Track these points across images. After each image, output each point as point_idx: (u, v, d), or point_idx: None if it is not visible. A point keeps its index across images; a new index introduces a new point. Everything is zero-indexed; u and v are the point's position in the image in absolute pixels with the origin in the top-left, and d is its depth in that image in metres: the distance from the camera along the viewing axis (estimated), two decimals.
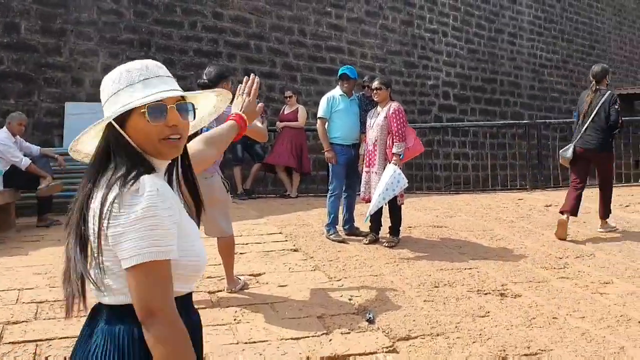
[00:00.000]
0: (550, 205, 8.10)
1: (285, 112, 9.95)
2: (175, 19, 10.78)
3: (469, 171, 12.24)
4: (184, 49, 10.81)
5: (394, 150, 5.85)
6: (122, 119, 1.56)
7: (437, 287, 4.92)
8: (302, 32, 12.50)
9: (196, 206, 1.74)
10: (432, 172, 12.79)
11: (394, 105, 6.01)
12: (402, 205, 6.12)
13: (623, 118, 6.77)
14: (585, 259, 5.74)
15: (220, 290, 4.76)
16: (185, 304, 1.60)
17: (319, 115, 6.62)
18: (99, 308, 1.59)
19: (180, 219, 1.56)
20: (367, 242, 6.10)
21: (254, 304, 4.48)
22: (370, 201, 5.92)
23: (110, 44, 10.01)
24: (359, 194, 6.30)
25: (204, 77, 4.82)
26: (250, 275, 5.12)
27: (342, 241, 6.17)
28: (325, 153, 6.46)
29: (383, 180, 5.68)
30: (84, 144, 1.66)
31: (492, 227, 6.90)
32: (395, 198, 5.85)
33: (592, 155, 6.65)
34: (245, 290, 4.78)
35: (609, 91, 6.68)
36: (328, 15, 12.93)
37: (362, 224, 6.45)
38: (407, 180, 5.81)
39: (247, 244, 6.06)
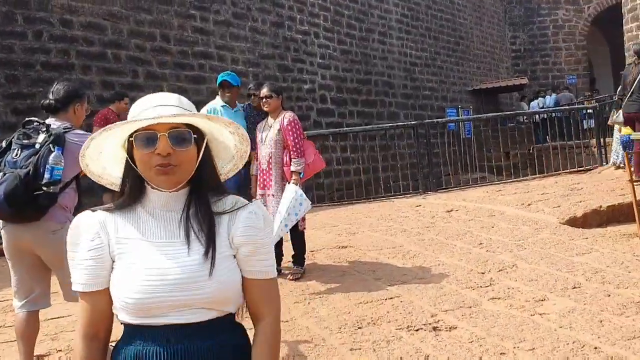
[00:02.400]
0: (451, 211, 7.61)
1: None
2: (17, 29, 9.32)
3: (351, 176, 11.69)
4: (29, 62, 9.38)
5: (293, 168, 5.02)
6: (132, 149, 1.61)
7: (360, 327, 4.15)
8: (165, 37, 11.38)
9: (207, 240, 1.61)
10: (314, 180, 12.12)
11: (288, 115, 5.17)
12: (304, 230, 5.30)
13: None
14: (508, 271, 5.20)
15: None
16: (139, 333, 1.58)
17: None
18: None
19: (122, 252, 1.60)
20: None
21: None
22: None
23: None
24: None
25: (50, 97, 3.64)
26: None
27: None
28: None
29: (284, 204, 4.83)
30: (109, 169, 1.72)
31: (400, 242, 6.25)
32: (296, 223, 5.02)
33: (635, 115, 8.45)
34: None
35: None
36: (192, 19, 11.88)
37: None
38: (310, 202, 5.01)
39: None
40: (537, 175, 10.58)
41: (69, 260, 1.64)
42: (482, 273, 5.18)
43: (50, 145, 3.35)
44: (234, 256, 1.65)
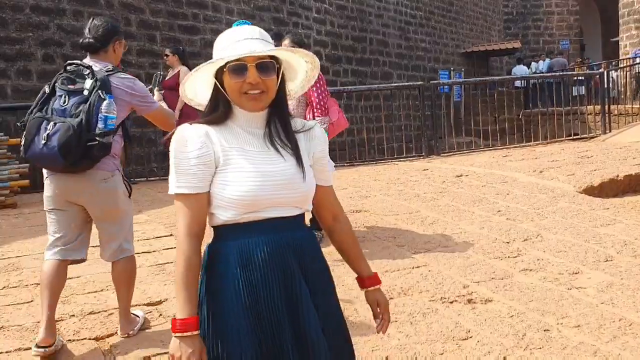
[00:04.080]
0: (461, 176, 7.38)
1: (167, 78, 8.37)
2: None
3: (344, 137, 11.37)
4: (18, 5, 8.86)
5: None
6: (221, 76, 1.84)
7: (391, 298, 3.92)
8: None
9: (295, 151, 1.87)
10: None
11: None
12: None
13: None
14: (534, 241, 5.00)
15: (112, 335, 3.44)
16: (241, 229, 1.81)
17: None
18: None
19: (228, 158, 1.81)
20: None
21: (164, 353, 3.22)
22: None
23: None
24: None
25: (88, 36, 3.35)
26: (147, 305, 3.83)
27: None
28: None
29: None
30: (199, 94, 1.95)
31: (416, 207, 6.01)
32: None
33: None
34: (147, 331, 3.50)
35: None
36: None
37: None
38: (333, 164, 4.72)
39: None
40: (541, 142, 10.37)
41: (173, 167, 1.82)
42: (507, 242, 4.97)
43: (100, 92, 3.14)
44: (311, 166, 1.92)
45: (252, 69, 1.79)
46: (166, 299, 3.90)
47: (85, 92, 3.15)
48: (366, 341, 3.35)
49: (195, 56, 10.65)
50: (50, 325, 3.16)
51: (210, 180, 1.82)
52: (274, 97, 1.86)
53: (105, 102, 3.13)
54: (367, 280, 2.10)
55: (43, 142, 3.09)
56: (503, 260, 4.60)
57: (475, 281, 4.19)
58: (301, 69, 1.99)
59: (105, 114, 3.13)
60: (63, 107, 3.15)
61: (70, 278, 4.18)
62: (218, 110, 1.87)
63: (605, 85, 11.19)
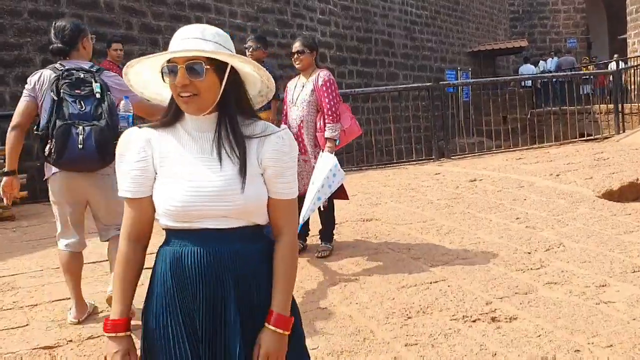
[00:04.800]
0: (475, 180, 7.13)
1: None
2: None
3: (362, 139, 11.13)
4: (16, 10, 8.64)
5: (328, 134, 4.45)
6: None
7: (409, 317, 3.68)
8: None
9: (239, 159, 1.76)
10: None
11: (323, 74, 4.57)
12: (333, 205, 4.78)
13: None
14: (556, 251, 4.75)
15: None
16: (176, 237, 1.77)
17: None
18: None
19: (163, 165, 1.77)
20: None
21: None
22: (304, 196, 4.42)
23: None
24: None
25: (56, 41, 3.56)
26: None
27: None
28: None
29: (320, 176, 4.27)
30: (151, 86, 1.87)
31: (429, 215, 5.77)
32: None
33: None
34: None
35: None
36: None
37: None
38: (343, 173, 4.48)
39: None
40: (554, 143, 10.10)
41: (116, 169, 1.82)
42: (529, 253, 4.73)
43: (108, 93, 3.46)
44: (262, 175, 1.80)
45: (181, 70, 1.70)
46: None
47: (97, 95, 3.43)
48: None
49: None
50: (80, 304, 3.67)
51: (150, 185, 1.79)
52: (214, 99, 1.75)
53: (122, 103, 3.48)
54: (271, 316, 1.78)
55: (80, 146, 3.33)
56: (526, 273, 4.35)
57: (499, 297, 3.94)
58: (255, 76, 1.86)
59: (125, 113, 3.48)
60: (83, 112, 3.38)
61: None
62: (169, 112, 1.82)
63: (618, 84, 10.88)
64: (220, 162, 1.75)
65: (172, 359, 1.75)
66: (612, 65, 16.29)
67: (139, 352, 1.82)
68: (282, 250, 1.83)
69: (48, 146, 3.38)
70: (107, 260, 4.01)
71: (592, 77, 15.07)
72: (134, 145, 1.78)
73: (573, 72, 16.26)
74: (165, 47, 9.59)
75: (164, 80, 1.75)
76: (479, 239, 5.07)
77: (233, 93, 1.79)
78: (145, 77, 1.85)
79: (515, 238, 5.04)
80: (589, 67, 19.43)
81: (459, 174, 7.56)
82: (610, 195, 6.25)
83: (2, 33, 8.45)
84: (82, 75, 3.45)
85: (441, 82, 10.59)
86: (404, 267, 4.47)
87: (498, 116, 14.86)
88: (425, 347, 3.33)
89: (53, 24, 3.64)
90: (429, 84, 10.27)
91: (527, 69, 20.28)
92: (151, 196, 1.78)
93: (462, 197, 6.40)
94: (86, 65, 3.55)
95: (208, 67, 1.71)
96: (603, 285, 4.08)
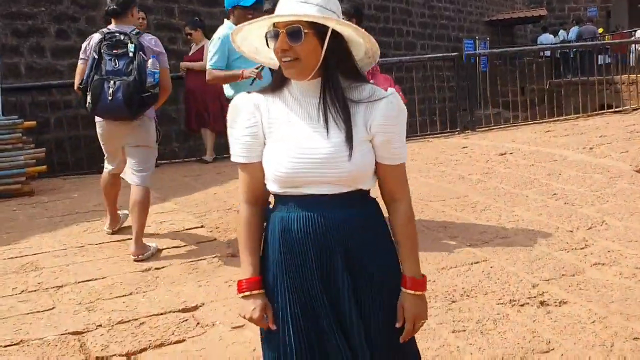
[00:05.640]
0: (505, 154, 6.89)
1: (190, 53, 7.94)
2: None
3: None
4: None
5: None
6: None
7: (454, 301, 3.49)
8: None
9: (345, 125, 1.71)
10: None
11: None
12: None
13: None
14: (599, 229, 4.54)
15: (145, 349, 3.04)
16: (284, 202, 1.77)
17: (209, 65, 4.48)
18: None
19: (272, 131, 1.75)
20: None
21: None
22: None
23: None
24: None
25: (111, 4, 4.16)
26: (182, 310, 3.42)
27: None
28: (246, 73, 4.29)
29: None
30: (261, 50, 1.84)
31: (462, 191, 5.55)
32: None
33: None
34: (185, 342, 3.10)
35: None
36: None
37: None
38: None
39: (161, 249, 4.30)
40: (581, 115, 9.81)
41: (228, 135, 1.83)
42: (571, 231, 4.52)
43: (141, 52, 4.01)
44: (370, 141, 1.75)
45: (282, 35, 1.67)
46: (203, 304, 3.49)
47: (130, 54, 3.98)
48: (435, 357, 2.93)
49: (215, 29, 10.14)
50: (113, 217, 4.56)
51: (261, 150, 1.78)
52: (315, 64, 1.70)
53: (150, 61, 4.03)
54: (406, 281, 1.83)
55: (110, 98, 3.94)
56: (570, 253, 4.14)
57: (545, 279, 3.74)
58: (357, 38, 1.78)
59: (153, 70, 4.02)
60: (116, 69, 3.97)
61: (94, 279, 3.83)
62: (277, 76, 1.80)
63: None
64: (327, 128, 1.71)
65: (282, 323, 1.77)
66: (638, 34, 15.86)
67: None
68: (400, 219, 1.82)
69: (87, 98, 4.02)
70: (129, 239, 4.31)
71: (610, 46, 14.62)
72: (244, 111, 1.78)
73: (602, 42, 15.81)
74: (181, 15, 9.33)
75: (268, 46, 1.73)
76: (516, 216, 4.86)
77: (336, 56, 1.72)
78: (256, 43, 1.83)
79: (555, 215, 4.83)
80: (606, 37, 18.96)
81: (488, 147, 7.32)
82: None
83: (16, 2, 8.22)
84: (121, 37, 4.03)
85: (467, 52, 10.26)
86: (442, 247, 4.27)
87: (515, 87, 14.51)
88: (473, 333, 3.14)
89: None
90: (454, 53, 9.95)
91: (546, 38, 19.82)
92: (261, 161, 1.78)
93: (494, 172, 6.17)
94: (129, 29, 4.12)
95: (307, 31, 1.66)
96: None
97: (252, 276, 1.80)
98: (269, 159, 1.75)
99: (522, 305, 3.45)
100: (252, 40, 1.83)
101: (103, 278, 3.82)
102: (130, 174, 4.24)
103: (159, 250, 4.27)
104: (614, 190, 5.40)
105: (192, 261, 4.09)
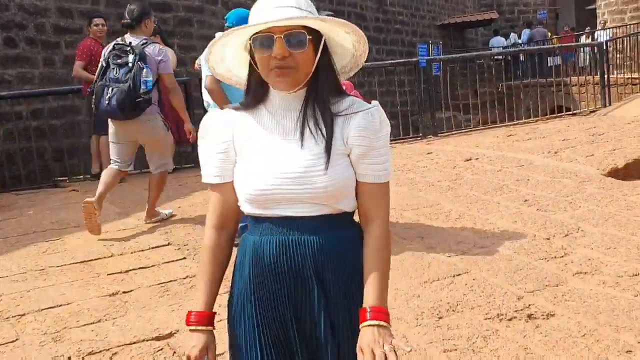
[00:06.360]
0: (470, 159, 6.85)
1: None
2: None
3: None
4: None
5: None
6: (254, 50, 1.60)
7: (440, 317, 3.38)
8: None
9: (325, 137, 1.61)
10: None
11: None
12: None
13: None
14: (576, 237, 4.51)
15: None
16: (257, 224, 1.66)
17: (206, 71, 4.34)
18: None
19: (244, 149, 1.65)
20: None
21: None
22: None
23: None
24: None
25: (127, 17, 4.80)
26: (155, 339, 3.21)
27: None
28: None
29: None
30: (235, 71, 1.74)
31: (435, 199, 5.47)
32: None
33: None
34: None
35: None
36: None
37: None
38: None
39: (128, 271, 4.07)
40: (541, 118, 9.90)
41: (199, 154, 1.74)
42: (548, 239, 4.47)
43: (139, 62, 4.58)
44: (348, 155, 1.64)
45: (279, 40, 1.54)
46: (177, 330, 3.28)
47: (129, 64, 4.59)
48: None
49: (169, 35, 9.87)
50: (99, 199, 4.70)
51: (232, 169, 1.68)
52: (308, 74, 1.61)
53: (144, 70, 4.57)
54: (366, 313, 1.58)
55: (106, 102, 4.60)
56: (550, 262, 4.09)
57: (529, 290, 3.67)
58: (347, 42, 1.69)
59: (146, 79, 4.57)
60: (116, 77, 4.61)
61: (59, 305, 3.59)
62: (250, 92, 1.69)
63: (604, 56, 10.69)
64: (302, 141, 1.61)
65: (247, 352, 1.67)
66: (600, 36, 16.16)
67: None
68: (373, 243, 1.65)
69: (91, 101, 4.75)
70: (92, 260, 4.32)
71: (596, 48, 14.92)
72: (214, 129, 1.69)
73: (561, 45, 16.06)
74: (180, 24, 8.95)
75: (250, 55, 1.61)
76: (491, 224, 4.79)
77: (325, 66, 1.63)
78: (227, 53, 1.69)
79: (530, 222, 4.78)
80: (554, 41, 19.31)
81: (452, 153, 7.27)
82: (615, 174, 6.05)
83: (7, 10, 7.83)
84: (126, 48, 4.65)
85: (426, 57, 10.24)
86: (421, 259, 4.16)
87: (467, 90, 14.59)
88: (465, 353, 3.03)
89: (128, 6, 4.89)
90: (415, 59, 9.92)
91: (497, 41, 20.09)
92: (232, 182, 1.68)
93: (463, 178, 6.12)
94: (139, 40, 4.74)
95: (310, 36, 1.57)
96: (636, 275, 3.85)
97: (203, 310, 1.68)
98: (240, 178, 1.65)
99: (510, 320, 3.35)
100: (226, 58, 1.72)
101: (68, 304, 3.57)
102: (151, 164, 5.03)
103: (172, 215, 5.24)
104: (585, 196, 5.39)
105: (161, 283, 3.88)
